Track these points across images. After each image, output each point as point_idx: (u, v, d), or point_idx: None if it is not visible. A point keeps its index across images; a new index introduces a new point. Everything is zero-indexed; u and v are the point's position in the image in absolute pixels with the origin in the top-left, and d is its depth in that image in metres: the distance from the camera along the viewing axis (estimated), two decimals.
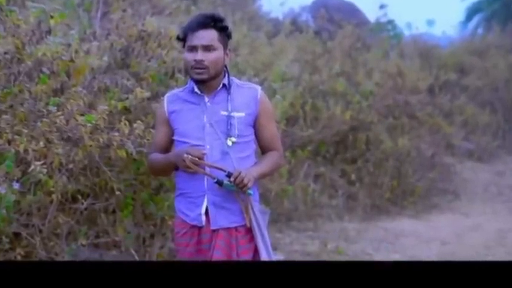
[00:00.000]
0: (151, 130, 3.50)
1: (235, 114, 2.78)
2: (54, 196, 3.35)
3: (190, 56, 2.75)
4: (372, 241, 5.92)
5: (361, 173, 7.18)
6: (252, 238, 2.80)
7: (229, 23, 2.99)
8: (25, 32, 3.45)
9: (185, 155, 2.69)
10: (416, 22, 24.79)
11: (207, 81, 2.77)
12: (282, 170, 5.61)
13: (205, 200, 2.77)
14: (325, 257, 5.29)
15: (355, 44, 8.84)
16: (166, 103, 2.88)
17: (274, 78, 6.27)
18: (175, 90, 2.97)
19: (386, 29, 11.81)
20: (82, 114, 3.34)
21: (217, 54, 2.76)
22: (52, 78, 3.43)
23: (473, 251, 5.63)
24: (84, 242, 3.63)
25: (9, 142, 3.15)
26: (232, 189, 2.71)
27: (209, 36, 2.75)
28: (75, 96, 3.38)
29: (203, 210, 2.78)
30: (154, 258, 4.03)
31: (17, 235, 3.43)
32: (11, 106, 3.31)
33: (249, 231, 2.80)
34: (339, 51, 8.34)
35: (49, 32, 3.56)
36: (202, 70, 2.74)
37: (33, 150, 3.14)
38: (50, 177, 3.29)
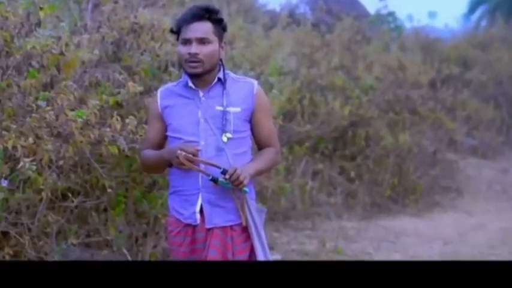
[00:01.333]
0: (144, 126, 3.47)
1: (231, 109, 2.76)
2: (43, 194, 3.32)
3: (184, 49, 2.72)
4: (371, 240, 5.86)
5: (361, 170, 7.12)
6: (248, 237, 2.77)
7: (224, 15, 2.98)
8: (14, 24, 3.41)
9: (179, 152, 2.65)
10: (417, 14, 24.75)
11: (201, 75, 2.74)
12: (279, 167, 5.57)
13: (200, 198, 2.74)
14: (323, 257, 5.26)
15: (354, 36, 8.76)
16: (159, 98, 2.85)
17: (271, 72, 6.22)
18: (169, 85, 2.94)
19: (386, 21, 11.72)
20: (72, 110, 3.30)
21: (212, 47, 2.73)
22: (41, 72, 3.39)
23: (477, 251, 5.59)
24: (74, 241, 3.60)
25: None
26: (228, 186, 2.67)
27: (204, 28, 2.73)
28: (65, 90, 3.34)
29: (198, 209, 2.75)
30: (147, 258, 4.01)
31: (5, 234, 3.40)
32: None
33: (245, 230, 2.77)
34: (338, 44, 8.25)
35: (38, 24, 3.53)
36: (196, 64, 2.71)
37: (22, 147, 3.11)
38: (40, 174, 3.25)
